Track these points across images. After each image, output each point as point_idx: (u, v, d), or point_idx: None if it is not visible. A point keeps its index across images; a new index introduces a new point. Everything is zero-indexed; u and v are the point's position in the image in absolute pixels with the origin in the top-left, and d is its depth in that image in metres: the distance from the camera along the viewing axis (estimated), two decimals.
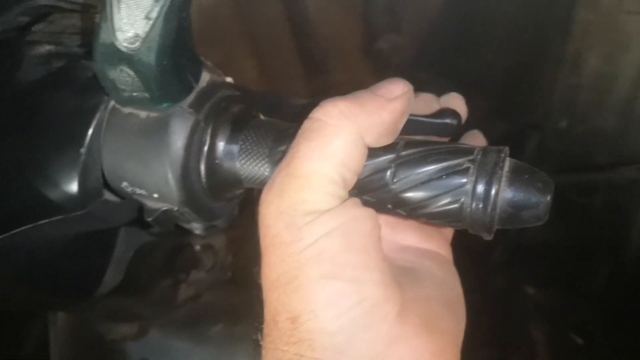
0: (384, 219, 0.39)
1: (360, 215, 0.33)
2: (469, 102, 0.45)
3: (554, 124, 0.93)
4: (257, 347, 0.34)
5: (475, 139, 0.46)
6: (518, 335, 1.01)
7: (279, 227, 0.32)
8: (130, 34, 0.33)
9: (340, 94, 0.37)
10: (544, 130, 0.94)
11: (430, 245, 0.41)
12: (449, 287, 0.39)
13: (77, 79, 0.40)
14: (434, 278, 0.38)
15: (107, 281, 0.61)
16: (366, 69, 0.94)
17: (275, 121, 0.40)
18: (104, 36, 0.33)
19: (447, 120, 0.42)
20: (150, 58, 0.33)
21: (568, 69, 0.86)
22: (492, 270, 1.04)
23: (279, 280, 0.32)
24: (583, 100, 0.88)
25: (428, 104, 0.44)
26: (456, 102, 0.45)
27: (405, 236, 0.40)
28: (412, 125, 0.37)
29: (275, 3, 0.88)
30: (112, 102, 0.38)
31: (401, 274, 0.36)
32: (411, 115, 0.36)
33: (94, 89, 0.39)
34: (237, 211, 0.44)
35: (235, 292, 0.78)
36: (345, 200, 0.33)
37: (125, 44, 0.33)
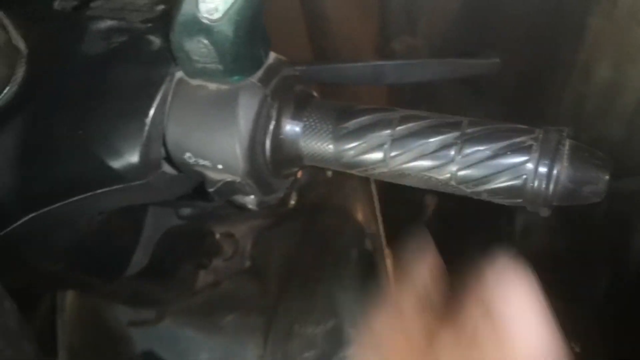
0: None
1: None
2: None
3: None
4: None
5: None
6: None
7: None
8: (212, 5, 0.34)
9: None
10: None
11: None
12: None
13: (141, 53, 0.40)
14: None
15: (135, 262, 0.61)
16: None
17: (334, 102, 0.41)
18: (186, 7, 0.34)
19: (483, 59, 0.42)
20: (230, 30, 0.34)
21: (577, 77, 0.87)
22: None
23: None
24: (590, 109, 0.90)
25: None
26: None
27: None
28: (451, 68, 0.38)
29: (291, 0, 0.88)
30: (178, 75, 0.39)
31: None
32: (448, 60, 0.36)
33: (159, 62, 0.39)
34: (289, 188, 0.45)
35: (252, 282, 0.78)
36: None
37: (206, 15, 0.34)
